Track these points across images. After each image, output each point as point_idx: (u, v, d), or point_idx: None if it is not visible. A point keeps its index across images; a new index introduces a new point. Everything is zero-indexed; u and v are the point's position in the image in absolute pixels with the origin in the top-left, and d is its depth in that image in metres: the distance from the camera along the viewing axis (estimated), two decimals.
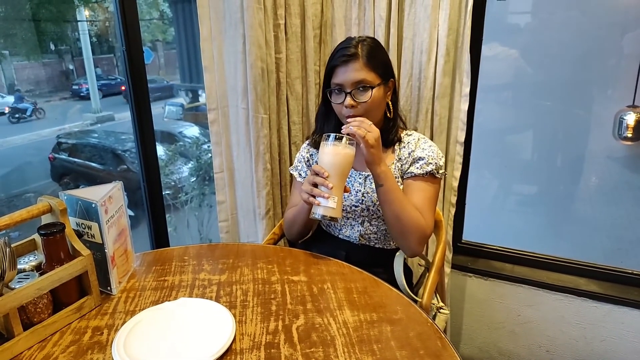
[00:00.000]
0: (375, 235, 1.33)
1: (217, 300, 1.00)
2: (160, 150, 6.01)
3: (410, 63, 1.60)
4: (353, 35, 1.61)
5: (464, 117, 1.62)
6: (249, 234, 1.67)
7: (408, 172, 1.28)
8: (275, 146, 1.63)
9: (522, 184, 2.62)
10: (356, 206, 1.30)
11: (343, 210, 1.30)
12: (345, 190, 1.20)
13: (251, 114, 1.51)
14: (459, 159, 1.66)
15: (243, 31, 1.43)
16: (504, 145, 2.52)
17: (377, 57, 1.23)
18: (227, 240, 1.69)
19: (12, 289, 0.85)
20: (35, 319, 0.89)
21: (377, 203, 1.27)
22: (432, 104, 1.62)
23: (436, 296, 1.44)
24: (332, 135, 1.14)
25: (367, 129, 1.14)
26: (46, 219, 0.96)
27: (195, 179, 5.50)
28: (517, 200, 2.68)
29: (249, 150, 1.56)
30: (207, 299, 1.01)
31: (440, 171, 1.27)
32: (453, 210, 1.72)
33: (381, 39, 1.57)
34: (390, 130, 1.30)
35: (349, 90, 1.21)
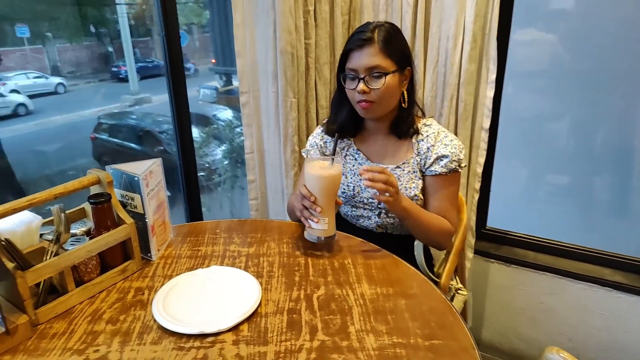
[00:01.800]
0: (392, 225, 1.34)
1: (245, 269, 1.09)
2: (195, 132, 6.19)
3: (436, 49, 1.63)
4: (380, 20, 1.65)
5: (489, 103, 1.64)
6: (277, 212, 1.76)
7: (430, 170, 1.26)
8: (304, 129, 1.70)
9: (555, 174, 2.59)
10: (373, 199, 1.31)
11: (360, 202, 1.33)
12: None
13: (281, 98, 1.58)
14: (484, 146, 1.68)
15: (274, 18, 1.49)
16: (539, 133, 2.48)
17: (393, 43, 1.20)
18: (256, 218, 1.78)
19: (66, 250, 0.96)
20: (85, 278, 1.00)
21: None
22: (457, 90, 1.64)
23: (455, 278, 1.49)
24: (316, 156, 1.13)
25: (385, 182, 1.08)
26: (94, 190, 1.07)
27: (228, 161, 5.64)
28: (549, 191, 2.65)
29: (278, 132, 1.63)
30: (236, 268, 1.10)
31: (462, 165, 1.26)
32: (477, 197, 1.75)
33: (408, 25, 1.61)
34: (405, 120, 1.28)
35: (362, 76, 1.19)
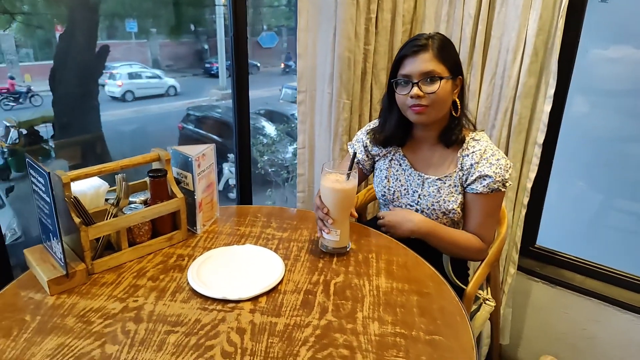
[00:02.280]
0: None
1: (275, 251, 1.19)
2: (272, 129, 6.47)
3: (495, 61, 1.62)
4: (440, 31, 1.68)
5: (545, 118, 1.60)
6: None
7: (471, 188, 1.25)
8: (354, 130, 1.77)
9: (630, 200, 2.42)
10: (411, 206, 1.34)
11: (398, 206, 1.36)
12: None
13: (334, 99, 1.66)
14: (536, 161, 1.65)
15: (335, 24, 1.58)
16: (615, 156, 2.34)
17: (447, 51, 1.22)
18: (302, 209, 1.88)
19: (124, 214, 1.12)
20: (137, 240, 1.15)
21: (432, 208, 1.30)
22: (512, 103, 1.62)
23: (487, 289, 1.48)
24: (332, 170, 1.16)
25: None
26: (155, 166, 1.23)
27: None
28: (621, 217, 2.48)
29: (329, 131, 1.72)
30: (268, 248, 1.20)
31: (507, 184, 1.23)
32: (524, 212, 1.71)
33: (467, 36, 1.62)
34: (454, 129, 1.27)
35: (416, 81, 1.20)
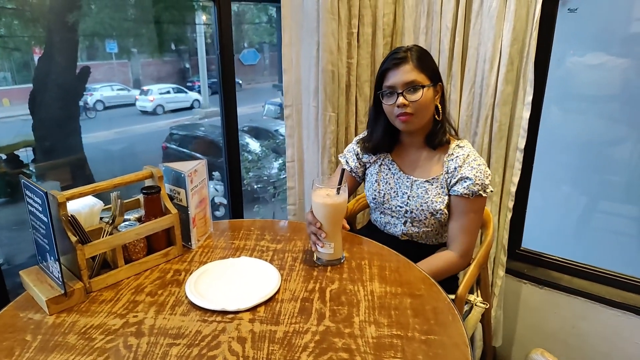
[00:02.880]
0: (418, 234, 1.41)
1: (270, 262, 1.21)
2: (256, 145, 6.51)
3: (473, 71, 1.69)
4: (419, 43, 1.74)
5: (525, 124, 1.67)
6: None
7: (453, 190, 1.32)
8: (342, 142, 1.81)
9: (614, 202, 2.48)
10: (400, 207, 1.39)
11: (388, 209, 1.42)
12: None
13: (320, 112, 1.71)
14: (518, 165, 1.71)
15: (317, 38, 1.63)
16: (601, 159, 2.40)
17: (425, 61, 1.30)
18: (293, 221, 1.91)
19: (119, 231, 1.13)
20: (133, 257, 1.16)
21: (421, 208, 1.35)
22: (492, 110, 1.69)
23: (477, 291, 1.52)
24: (322, 186, 1.19)
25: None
26: (148, 183, 1.24)
27: (285, 175, 5.84)
28: (605, 219, 2.55)
29: (317, 143, 1.76)
30: (263, 260, 1.22)
31: (488, 190, 1.30)
32: (509, 215, 1.76)
33: (446, 47, 1.68)
34: (438, 133, 1.35)
35: (400, 91, 1.28)
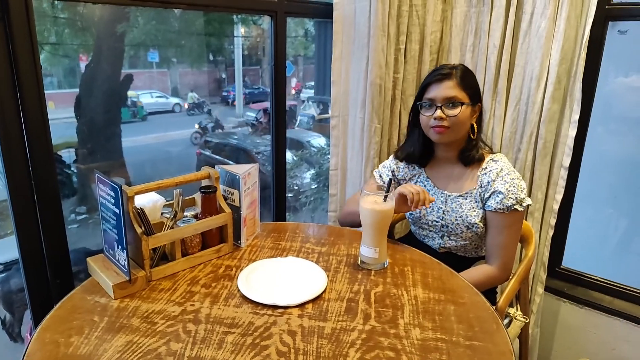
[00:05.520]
0: (456, 247, 1.43)
1: (316, 263, 1.26)
2: (288, 155, 6.65)
3: (519, 88, 1.71)
4: (466, 60, 1.78)
5: (571, 142, 1.67)
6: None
7: (488, 205, 1.34)
8: (385, 152, 1.86)
9: None
10: (436, 221, 1.43)
11: (425, 223, 1.45)
12: (425, 205, 1.30)
13: (366, 123, 1.76)
14: (562, 183, 1.71)
15: (367, 53, 1.69)
16: None
17: (468, 80, 1.34)
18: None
19: (178, 226, 1.21)
20: (189, 251, 1.24)
21: (457, 222, 1.38)
22: (537, 127, 1.70)
23: (516, 305, 1.53)
24: (370, 193, 1.24)
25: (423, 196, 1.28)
26: (204, 183, 1.32)
27: (316, 185, 5.95)
28: None
29: (361, 153, 1.81)
30: (309, 260, 1.27)
31: (524, 204, 1.30)
32: (551, 232, 1.76)
33: (492, 65, 1.72)
34: (471, 150, 1.37)
35: (439, 104, 1.32)
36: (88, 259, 1.19)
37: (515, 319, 1.43)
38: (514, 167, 1.40)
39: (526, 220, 1.75)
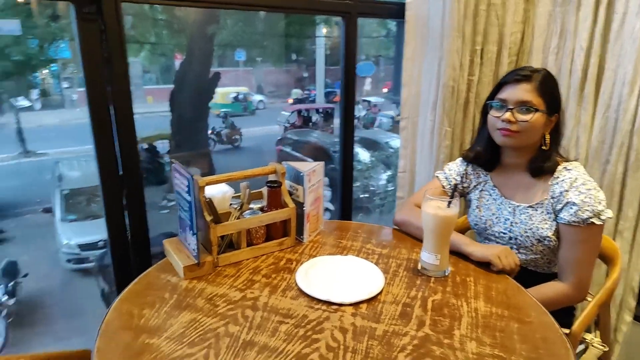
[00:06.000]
0: (526, 261, 1.35)
1: (375, 264, 1.26)
2: (366, 155, 6.65)
3: (608, 94, 1.58)
4: (549, 63, 1.68)
5: None
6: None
7: (561, 217, 1.25)
8: (455, 157, 1.80)
9: None
10: (504, 233, 1.35)
11: (491, 235, 1.38)
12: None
13: (437, 126, 1.72)
14: None
15: (441, 54, 1.65)
16: None
17: (548, 86, 1.25)
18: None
19: (245, 217, 1.27)
20: (254, 242, 1.30)
21: (526, 235, 1.30)
22: (629, 137, 1.56)
23: (595, 331, 1.41)
24: (434, 198, 1.19)
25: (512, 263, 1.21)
26: (271, 178, 1.37)
27: (392, 187, 5.90)
28: None
29: (430, 157, 1.77)
30: (368, 261, 1.28)
31: (602, 217, 1.20)
32: None
33: (578, 68, 1.60)
34: (541, 162, 1.28)
35: (511, 107, 1.24)
36: (164, 241, 1.29)
37: (592, 345, 1.32)
38: (601, 180, 1.30)
39: (614, 239, 1.61)
